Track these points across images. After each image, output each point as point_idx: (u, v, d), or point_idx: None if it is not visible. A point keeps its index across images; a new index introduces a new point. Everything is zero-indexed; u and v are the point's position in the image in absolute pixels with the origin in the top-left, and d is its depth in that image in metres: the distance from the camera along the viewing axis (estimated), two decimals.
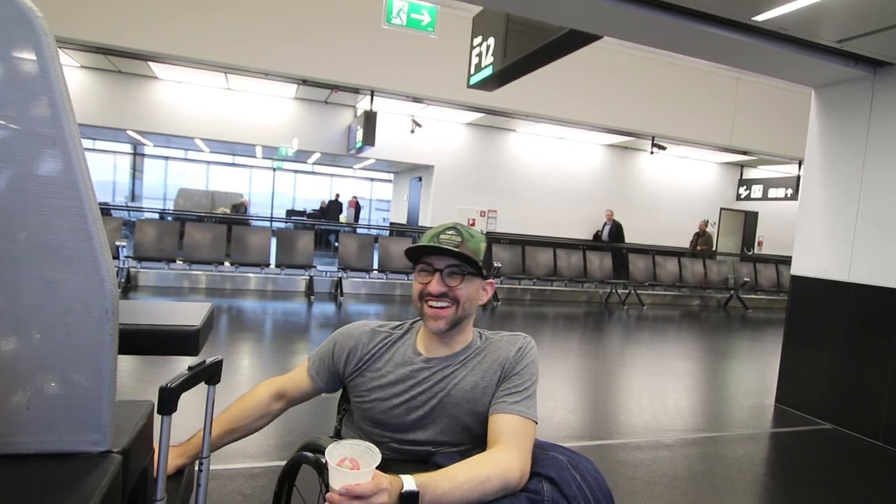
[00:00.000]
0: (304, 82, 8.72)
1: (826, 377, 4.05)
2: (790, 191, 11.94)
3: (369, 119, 8.92)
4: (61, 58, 0.90)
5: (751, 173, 14.02)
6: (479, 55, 4.87)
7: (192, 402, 1.21)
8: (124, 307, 1.09)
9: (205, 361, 1.16)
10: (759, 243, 14.21)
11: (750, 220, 14.26)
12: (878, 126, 3.83)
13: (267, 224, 14.32)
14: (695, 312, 9.96)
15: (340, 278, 8.37)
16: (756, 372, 5.89)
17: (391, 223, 15.81)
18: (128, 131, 11.90)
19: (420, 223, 12.25)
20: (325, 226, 14.65)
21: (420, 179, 12.56)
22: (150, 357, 3.74)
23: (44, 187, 0.87)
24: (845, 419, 3.90)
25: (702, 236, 12.18)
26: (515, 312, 8.35)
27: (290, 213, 18.21)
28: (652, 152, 11.09)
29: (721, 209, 13.82)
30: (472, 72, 5.05)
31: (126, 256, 7.32)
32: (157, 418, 1.05)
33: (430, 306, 1.26)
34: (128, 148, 18.78)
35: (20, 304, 0.89)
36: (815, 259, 4.20)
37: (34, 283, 0.89)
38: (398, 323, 1.41)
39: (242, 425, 1.38)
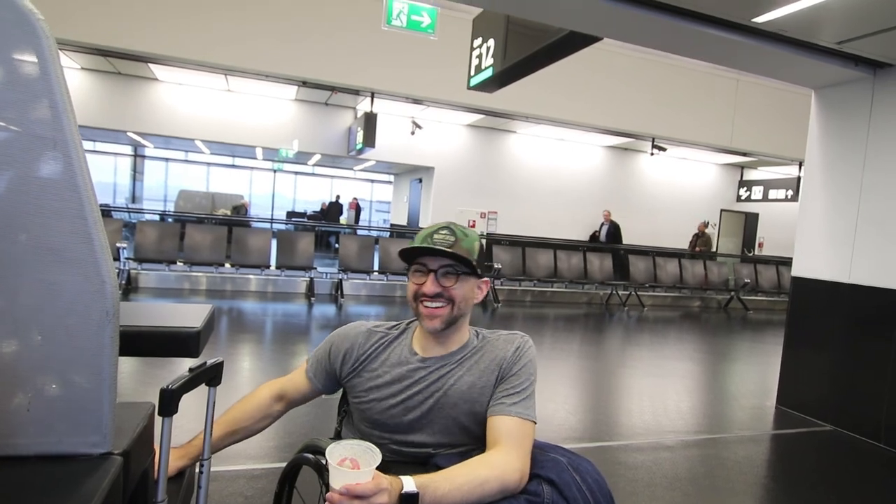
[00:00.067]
0: (305, 84, 8.73)
1: (827, 378, 4.05)
2: (790, 192, 11.94)
3: (369, 121, 8.93)
4: (62, 60, 0.90)
5: (751, 174, 14.02)
6: (479, 57, 4.88)
7: (192, 403, 1.21)
8: (125, 309, 1.09)
9: (205, 363, 1.16)
10: (760, 244, 14.21)
11: (750, 221, 14.26)
12: (878, 127, 3.83)
13: (267, 225, 14.34)
14: (695, 314, 9.96)
15: (341, 280, 8.37)
16: (757, 373, 5.88)
17: (391, 224, 15.83)
18: (128, 133, 11.91)
19: (420, 225, 12.25)
20: (325, 227, 14.65)
21: (420, 181, 12.56)
22: (150, 359, 3.74)
23: (44, 189, 0.87)
24: (846, 420, 3.90)
25: (700, 237, 12.19)
26: (516, 314, 8.35)
27: (291, 214, 18.21)
28: (652, 153, 11.10)
29: (721, 210, 13.82)
30: (473, 73, 5.05)
31: (127, 258, 7.32)
32: (158, 420, 1.06)
33: (426, 306, 1.25)
34: (128, 149, 18.79)
35: (21, 306, 0.89)
36: (815, 260, 4.20)
37: (35, 284, 0.89)
38: (394, 323, 1.41)
39: (243, 427, 1.38)
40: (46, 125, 0.86)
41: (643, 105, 9.95)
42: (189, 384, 1.08)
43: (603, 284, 10.06)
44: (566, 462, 1.18)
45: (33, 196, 0.87)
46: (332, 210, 16.04)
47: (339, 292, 8.33)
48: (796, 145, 7.48)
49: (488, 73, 4.72)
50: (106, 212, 10.82)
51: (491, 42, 4.65)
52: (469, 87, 5.18)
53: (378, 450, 0.99)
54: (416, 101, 9.40)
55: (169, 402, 1.01)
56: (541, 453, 1.22)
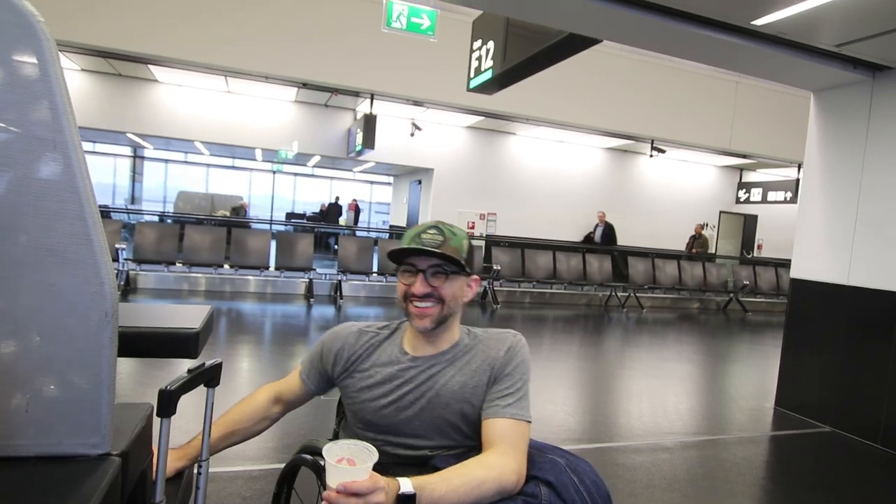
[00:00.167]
0: (305, 85, 8.73)
1: (825, 380, 4.05)
2: (789, 194, 11.95)
3: (369, 122, 8.93)
4: (62, 61, 0.90)
5: (750, 176, 14.03)
6: (479, 59, 4.88)
7: (191, 404, 1.21)
8: (124, 310, 1.09)
9: (204, 364, 1.16)
10: (759, 246, 14.22)
11: (749, 223, 14.27)
12: (876, 129, 3.84)
13: (266, 227, 14.34)
14: (694, 315, 9.96)
15: (340, 281, 8.37)
16: (755, 375, 5.89)
17: (391, 226, 15.82)
18: (128, 134, 11.90)
19: None
20: (324, 228, 14.65)
21: (420, 182, 12.56)
22: (149, 360, 3.74)
23: (44, 191, 0.87)
24: (845, 422, 3.90)
25: (697, 239, 12.22)
26: (515, 315, 8.35)
27: (290, 215, 18.21)
28: (651, 155, 11.10)
29: (720, 212, 13.82)
30: (472, 75, 5.06)
31: (126, 259, 7.32)
32: (157, 421, 1.06)
33: (416, 306, 1.25)
34: (128, 151, 18.78)
35: (20, 307, 0.89)
36: (814, 262, 4.21)
37: (34, 285, 0.89)
38: (385, 323, 1.41)
39: (242, 428, 1.38)
40: (46, 127, 0.86)
41: (643, 107, 9.97)
42: (188, 385, 1.08)
43: (602, 286, 10.06)
44: (564, 463, 1.18)
45: (33, 197, 0.87)
46: (331, 211, 16.04)
47: (339, 293, 8.33)
48: (795, 147, 7.48)
49: (488, 75, 4.73)
50: (105, 213, 10.81)
51: (490, 44, 4.66)
52: (469, 89, 5.19)
53: (375, 449, 1.00)
54: (416, 103, 9.40)
55: (167, 403, 1.01)
56: (539, 454, 1.22)
